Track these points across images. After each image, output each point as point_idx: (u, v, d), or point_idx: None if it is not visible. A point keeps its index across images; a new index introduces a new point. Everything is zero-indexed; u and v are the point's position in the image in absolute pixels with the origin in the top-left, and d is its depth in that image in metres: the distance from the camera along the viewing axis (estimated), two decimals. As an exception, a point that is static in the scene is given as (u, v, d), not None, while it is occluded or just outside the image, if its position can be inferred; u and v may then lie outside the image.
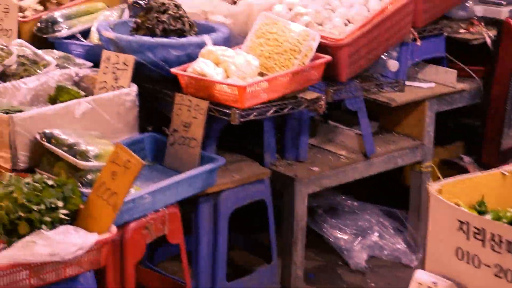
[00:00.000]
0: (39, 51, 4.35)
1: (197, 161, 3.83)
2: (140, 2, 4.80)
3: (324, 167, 4.39)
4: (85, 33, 4.81)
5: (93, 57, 4.52)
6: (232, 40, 4.35)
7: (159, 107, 4.22)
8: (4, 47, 4.25)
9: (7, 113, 3.68)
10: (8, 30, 4.76)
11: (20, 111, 3.74)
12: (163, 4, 4.25)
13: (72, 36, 4.76)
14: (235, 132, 4.19)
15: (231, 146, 4.32)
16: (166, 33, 4.19)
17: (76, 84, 4.23)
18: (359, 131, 4.62)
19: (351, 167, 4.50)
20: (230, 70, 3.90)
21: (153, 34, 4.18)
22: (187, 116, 3.88)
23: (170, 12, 4.22)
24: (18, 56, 4.23)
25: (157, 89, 4.16)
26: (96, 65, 4.38)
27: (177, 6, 4.28)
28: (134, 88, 4.02)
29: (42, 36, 4.73)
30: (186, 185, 3.71)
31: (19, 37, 4.72)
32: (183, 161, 3.88)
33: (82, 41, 4.71)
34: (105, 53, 4.15)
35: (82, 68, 4.36)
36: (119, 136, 3.95)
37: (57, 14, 4.75)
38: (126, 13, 4.80)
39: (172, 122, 3.94)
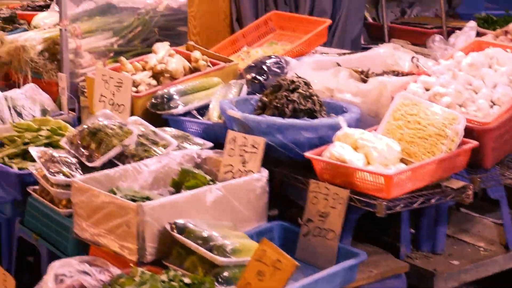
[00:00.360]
0: (158, 130, 4.09)
1: (335, 256, 3.51)
2: (259, 77, 4.55)
3: (463, 260, 4.02)
4: (199, 109, 4.55)
5: (211, 135, 4.26)
6: (361, 121, 4.05)
7: (287, 192, 3.93)
8: (123, 126, 3.98)
9: (133, 200, 3.42)
10: (120, 105, 4.52)
11: (147, 197, 3.47)
12: (293, 82, 3.97)
13: (186, 113, 4.50)
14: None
15: (357, 234, 3.98)
16: (295, 113, 3.91)
17: (198, 165, 3.95)
18: (495, 220, 4.28)
19: (491, 260, 4.12)
20: (371, 156, 3.59)
21: (282, 114, 3.90)
22: (323, 205, 3.57)
23: (300, 90, 3.94)
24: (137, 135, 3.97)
25: (285, 173, 3.87)
26: (216, 145, 4.11)
27: (307, 84, 4.00)
28: (265, 173, 3.72)
29: (156, 112, 4.47)
30: (325, 283, 3.38)
31: (131, 112, 4.48)
32: (319, 255, 3.56)
33: (199, 119, 4.43)
34: (231, 134, 3.86)
35: (202, 149, 4.08)
36: (247, 225, 3.67)
37: (173, 90, 4.49)
38: (244, 89, 4.53)
39: (306, 211, 3.63)
